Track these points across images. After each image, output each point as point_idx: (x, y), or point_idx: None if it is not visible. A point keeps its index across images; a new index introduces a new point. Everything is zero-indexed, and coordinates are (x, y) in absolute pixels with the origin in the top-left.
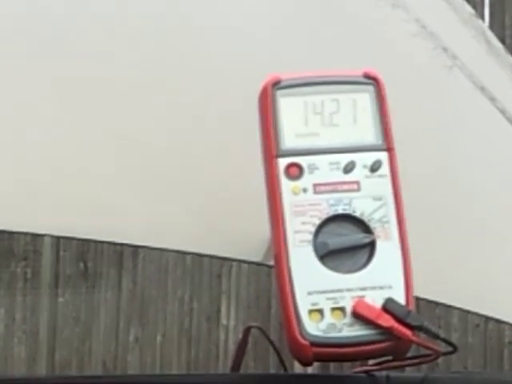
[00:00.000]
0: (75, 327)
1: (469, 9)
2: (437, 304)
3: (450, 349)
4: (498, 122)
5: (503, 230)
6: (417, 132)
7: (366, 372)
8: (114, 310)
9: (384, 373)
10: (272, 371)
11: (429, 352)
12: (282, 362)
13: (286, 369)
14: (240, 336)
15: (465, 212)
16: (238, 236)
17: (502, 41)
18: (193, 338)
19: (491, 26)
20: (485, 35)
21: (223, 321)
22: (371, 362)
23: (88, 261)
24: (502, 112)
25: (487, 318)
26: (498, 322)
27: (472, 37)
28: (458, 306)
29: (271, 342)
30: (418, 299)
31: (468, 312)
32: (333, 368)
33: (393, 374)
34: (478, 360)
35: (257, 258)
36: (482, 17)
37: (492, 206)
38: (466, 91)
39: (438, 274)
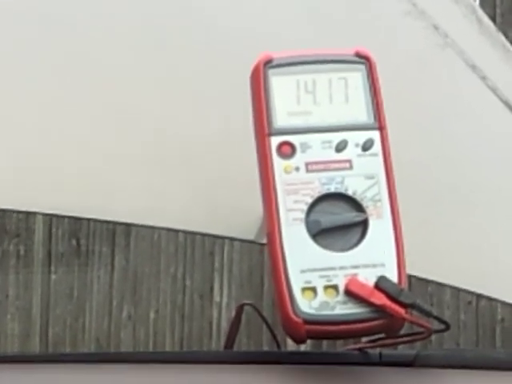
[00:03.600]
0: (68, 304)
1: None
2: (428, 281)
3: (442, 326)
4: (489, 100)
5: (495, 207)
6: (408, 110)
7: (358, 349)
8: (106, 288)
9: (377, 350)
10: (265, 348)
11: (421, 330)
12: (275, 339)
13: (279, 346)
14: (233, 313)
15: (457, 189)
16: (231, 214)
17: (493, 19)
18: (186, 315)
19: (482, 5)
20: (476, 14)
21: (216, 298)
22: (364, 339)
23: (80, 238)
24: (493, 90)
25: (479, 296)
26: (490, 299)
27: (463, 15)
28: (450, 283)
29: (264, 320)
30: (410, 276)
31: (460, 289)
32: (326, 345)
33: (385, 351)
34: (470, 337)
35: (250, 236)
36: None
37: (484, 182)
38: (457, 69)
39: (430, 251)
